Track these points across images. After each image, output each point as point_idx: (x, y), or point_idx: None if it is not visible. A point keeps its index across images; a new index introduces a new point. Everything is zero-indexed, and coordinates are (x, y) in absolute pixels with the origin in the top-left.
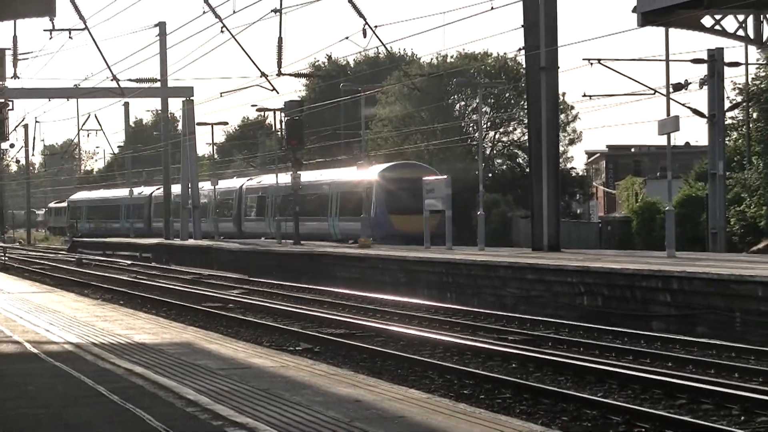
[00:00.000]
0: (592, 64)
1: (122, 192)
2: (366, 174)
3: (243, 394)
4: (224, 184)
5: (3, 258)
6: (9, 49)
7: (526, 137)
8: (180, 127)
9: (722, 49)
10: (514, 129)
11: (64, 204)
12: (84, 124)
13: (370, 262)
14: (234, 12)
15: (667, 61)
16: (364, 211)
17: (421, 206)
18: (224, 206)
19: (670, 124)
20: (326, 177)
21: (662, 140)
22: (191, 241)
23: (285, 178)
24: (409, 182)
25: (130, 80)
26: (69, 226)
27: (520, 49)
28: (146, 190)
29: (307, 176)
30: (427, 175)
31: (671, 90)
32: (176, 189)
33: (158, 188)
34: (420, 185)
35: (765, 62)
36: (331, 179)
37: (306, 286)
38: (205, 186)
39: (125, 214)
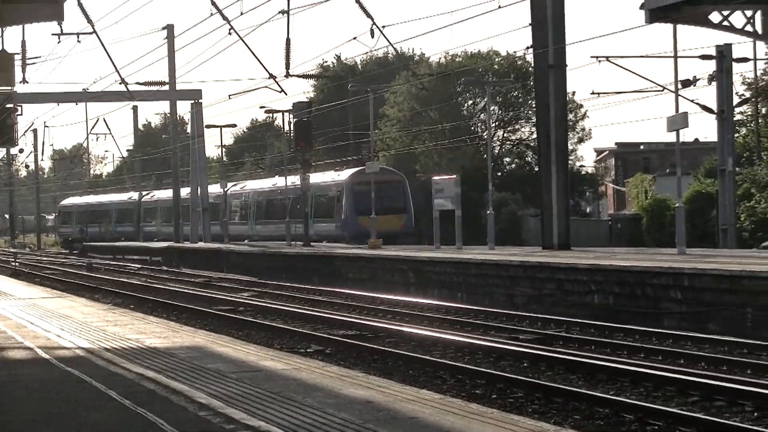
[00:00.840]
0: (600, 61)
1: (112, 197)
2: (337, 177)
3: (255, 397)
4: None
5: (14, 264)
6: (17, 53)
7: (534, 136)
8: (189, 129)
9: (730, 44)
10: (523, 127)
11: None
12: (93, 127)
13: (380, 263)
14: (242, 14)
15: (676, 57)
16: (335, 213)
17: (387, 207)
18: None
19: (679, 121)
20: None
21: (671, 137)
22: (201, 244)
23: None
24: (376, 185)
25: (138, 83)
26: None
27: (527, 48)
28: (135, 195)
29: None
30: (392, 179)
31: (680, 86)
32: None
33: (147, 193)
34: (385, 188)
35: None
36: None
37: (316, 287)
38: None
39: (115, 218)
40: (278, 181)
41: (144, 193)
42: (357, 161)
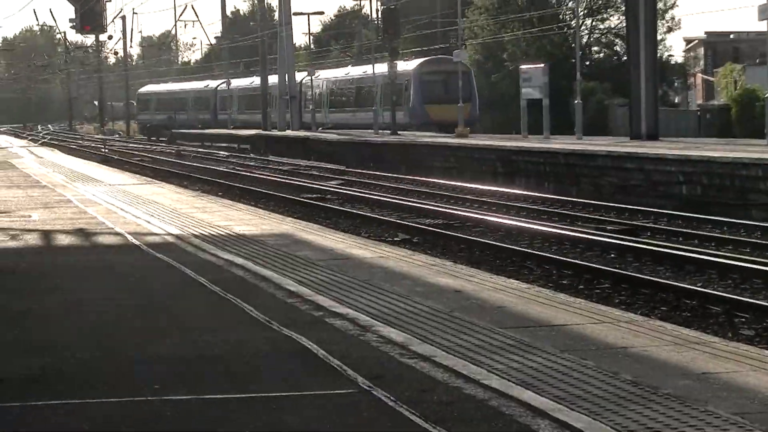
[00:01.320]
0: None
1: (190, 85)
2: (405, 67)
3: (343, 285)
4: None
5: (104, 150)
6: None
7: (623, 24)
8: (276, 17)
9: None
10: (611, 16)
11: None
12: (181, 15)
13: (467, 152)
14: None
15: None
16: (403, 102)
17: (453, 97)
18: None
19: None
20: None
21: (762, 26)
22: (289, 132)
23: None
24: (443, 74)
25: None
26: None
27: None
28: (212, 84)
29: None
30: (458, 70)
31: None
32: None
33: (223, 82)
34: (451, 78)
35: None
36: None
37: (403, 176)
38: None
39: (192, 105)
40: (355, 71)
41: (220, 81)
42: (442, 50)
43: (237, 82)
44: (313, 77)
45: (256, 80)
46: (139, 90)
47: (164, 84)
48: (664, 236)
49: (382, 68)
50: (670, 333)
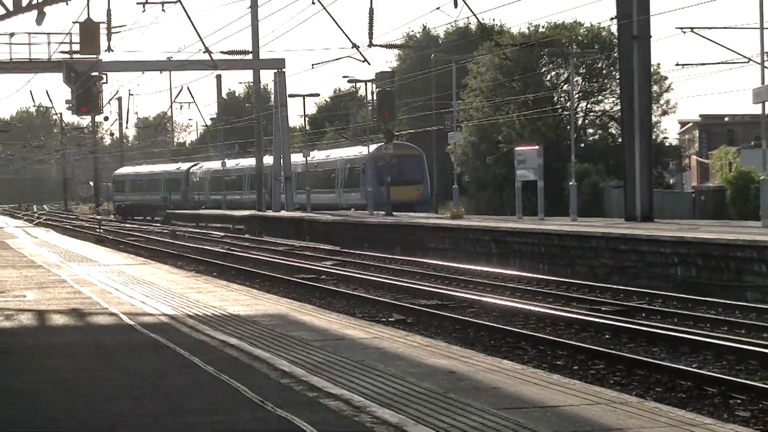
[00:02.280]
0: (685, 32)
1: (163, 167)
2: (363, 152)
3: (337, 366)
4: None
5: (99, 230)
6: (103, 22)
7: (618, 107)
8: (272, 98)
9: None
10: (606, 99)
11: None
12: (177, 96)
13: (462, 233)
14: None
15: (762, 28)
16: (361, 183)
17: (406, 179)
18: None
19: (765, 93)
20: (333, 156)
21: (757, 109)
22: (284, 213)
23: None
24: (397, 158)
25: (222, 52)
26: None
27: (612, 18)
28: (184, 166)
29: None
30: (411, 153)
31: (766, 58)
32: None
33: (195, 164)
34: (405, 161)
35: None
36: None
37: (398, 257)
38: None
39: (164, 187)
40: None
41: (192, 164)
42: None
43: (207, 165)
44: (307, 158)
45: (228, 162)
46: (115, 172)
47: (138, 166)
48: (659, 317)
49: (342, 153)
50: (666, 414)
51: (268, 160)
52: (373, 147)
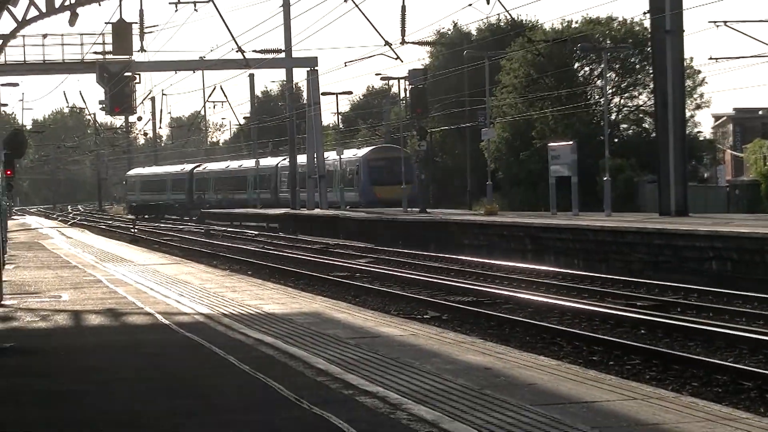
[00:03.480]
0: (718, 26)
1: (168, 168)
2: (357, 154)
3: (373, 363)
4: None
5: (133, 230)
6: (135, 22)
7: (652, 102)
8: (305, 97)
9: None
10: (640, 94)
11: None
12: (210, 95)
13: (496, 230)
14: None
15: None
16: (355, 183)
17: (395, 179)
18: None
19: None
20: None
21: None
22: (318, 211)
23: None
24: (388, 161)
25: (254, 51)
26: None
27: (645, 13)
28: (188, 166)
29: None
30: (397, 155)
31: None
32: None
33: (197, 165)
34: (394, 163)
35: None
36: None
37: (433, 254)
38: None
39: (170, 187)
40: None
41: (194, 165)
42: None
43: (212, 166)
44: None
45: (231, 164)
46: (127, 173)
47: (148, 167)
48: (694, 312)
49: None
50: (702, 409)
51: (268, 161)
52: (365, 150)
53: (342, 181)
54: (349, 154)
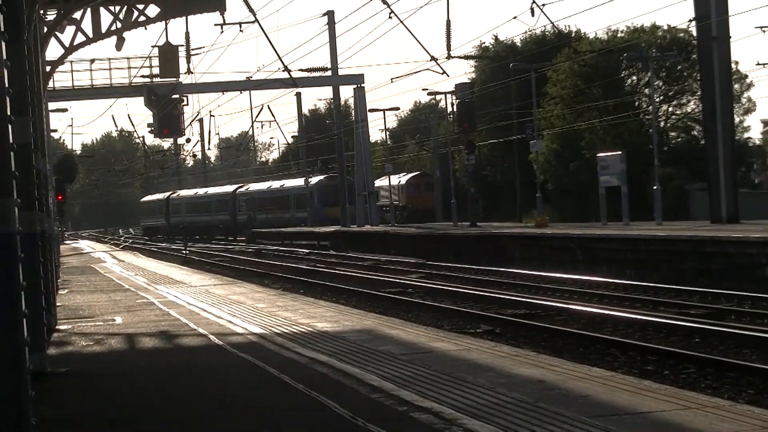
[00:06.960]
0: (765, 31)
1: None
2: (311, 181)
3: (426, 379)
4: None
5: (184, 252)
6: (181, 45)
7: (700, 109)
8: (352, 114)
9: None
10: (688, 101)
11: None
12: (257, 115)
13: (547, 242)
14: None
15: None
16: (307, 205)
17: (337, 201)
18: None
19: None
20: (287, 185)
21: None
22: (368, 227)
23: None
24: (335, 187)
25: (301, 70)
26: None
27: (690, 20)
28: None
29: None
30: (344, 182)
31: None
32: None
33: (240, 186)
34: (337, 188)
35: None
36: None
37: (484, 267)
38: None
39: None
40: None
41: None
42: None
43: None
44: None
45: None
46: (141, 199)
47: (158, 194)
48: (748, 319)
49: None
50: (759, 417)
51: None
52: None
53: (295, 204)
54: (301, 181)
